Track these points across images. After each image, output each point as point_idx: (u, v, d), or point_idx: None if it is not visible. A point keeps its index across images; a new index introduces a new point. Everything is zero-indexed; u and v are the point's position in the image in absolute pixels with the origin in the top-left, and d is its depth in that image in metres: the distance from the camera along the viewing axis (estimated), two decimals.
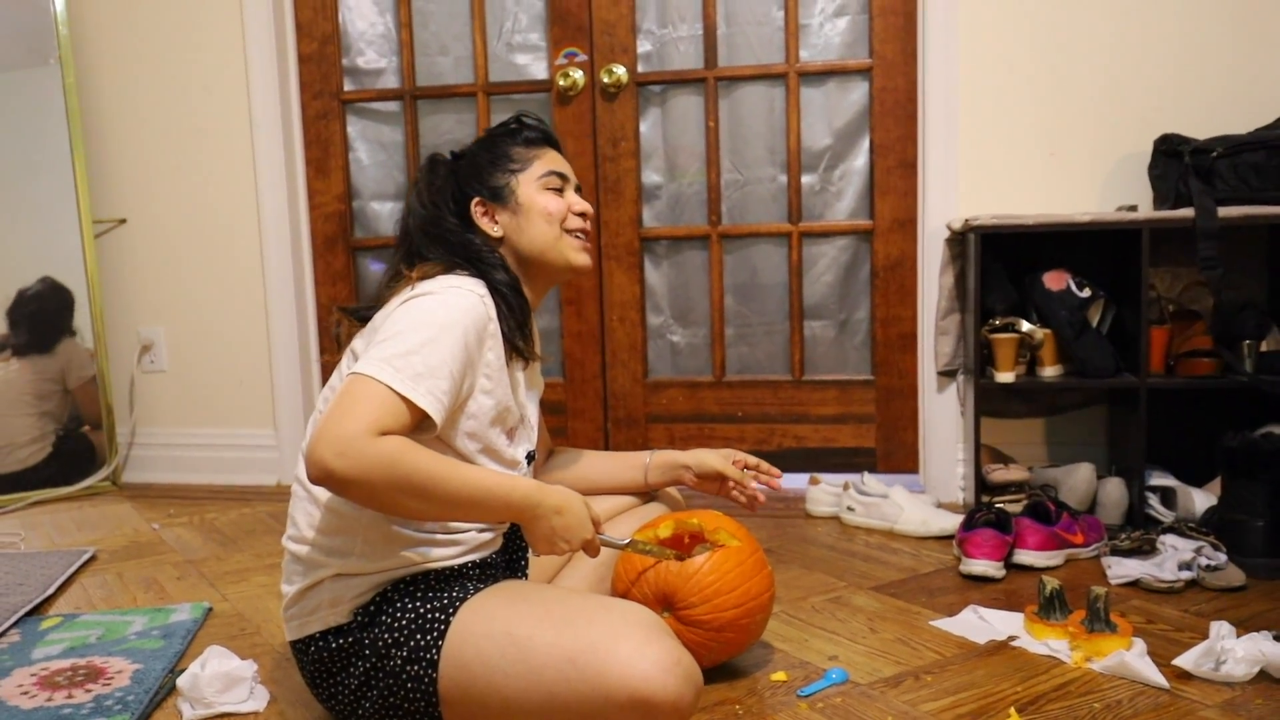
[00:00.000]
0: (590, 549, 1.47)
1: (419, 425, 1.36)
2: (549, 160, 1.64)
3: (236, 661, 1.66)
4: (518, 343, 1.53)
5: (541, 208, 1.60)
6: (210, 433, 3.23)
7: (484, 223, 1.61)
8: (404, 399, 1.32)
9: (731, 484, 1.86)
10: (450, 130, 3.07)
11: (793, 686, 1.62)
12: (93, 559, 2.46)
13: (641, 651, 1.29)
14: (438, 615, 1.41)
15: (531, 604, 1.40)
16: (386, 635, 1.41)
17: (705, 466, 1.84)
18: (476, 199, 1.61)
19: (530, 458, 1.64)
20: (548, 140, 1.67)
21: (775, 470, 1.84)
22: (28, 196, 3.14)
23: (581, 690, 1.30)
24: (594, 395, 3.02)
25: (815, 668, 1.69)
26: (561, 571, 1.80)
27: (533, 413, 1.68)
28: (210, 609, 2.09)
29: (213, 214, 3.16)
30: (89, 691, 1.67)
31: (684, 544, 1.67)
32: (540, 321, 3.06)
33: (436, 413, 1.35)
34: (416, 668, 1.39)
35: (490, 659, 1.35)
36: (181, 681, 1.62)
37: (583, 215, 1.65)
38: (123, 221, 3.24)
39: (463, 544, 1.50)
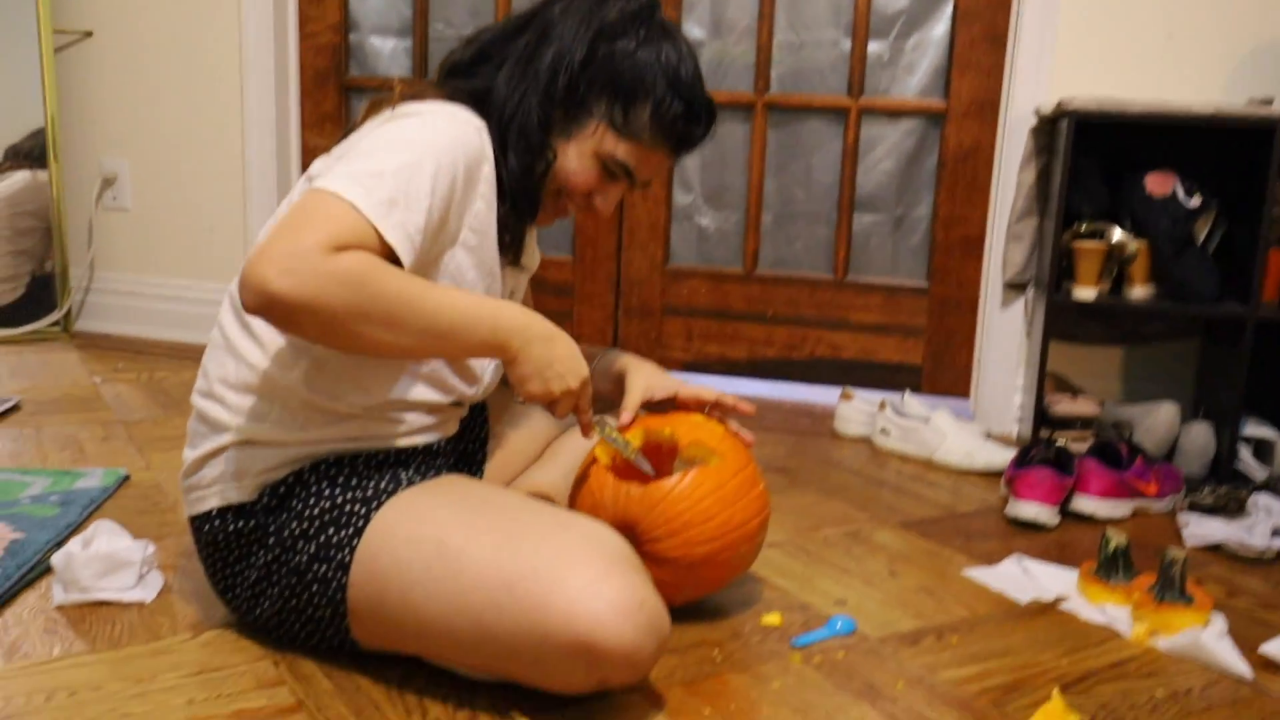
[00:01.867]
0: (584, 400, 1.26)
1: None
2: (646, 159, 1.33)
3: (126, 542, 1.43)
4: (504, 237, 1.28)
5: (574, 171, 1.31)
6: (174, 283, 2.99)
7: (557, 115, 1.29)
8: (370, 225, 1.10)
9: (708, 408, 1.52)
10: None
11: (787, 633, 1.40)
12: (14, 408, 2.26)
13: (595, 587, 1.06)
14: (357, 509, 1.18)
15: (473, 509, 1.17)
16: (295, 524, 1.19)
17: (651, 393, 1.46)
18: (571, 91, 1.28)
19: None
20: (679, 150, 1.35)
21: (749, 407, 1.48)
22: None
23: (516, 624, 1.08)
24: (605, 279, 2.71)
25: (817, 613, 1.47)
26: (526, 473, 1.54)
27: (520, 287, 1.45)
28: (127, 477, 1.85)
29: (190, 33, 2.87)
30: None
31: (658, 457, 1.40)
32: None
33: (406, 252, 1.12)
34: (324, 568, 1.17)
35: (410, 571, 1.12)
36: (55, 560, 1.40)
37: (590, 209, 1.35)
38: (88, 34, 2.94)
39: (405, 423, 1.27)
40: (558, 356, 1.21)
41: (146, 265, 3.01)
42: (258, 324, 1.23)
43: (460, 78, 1.31)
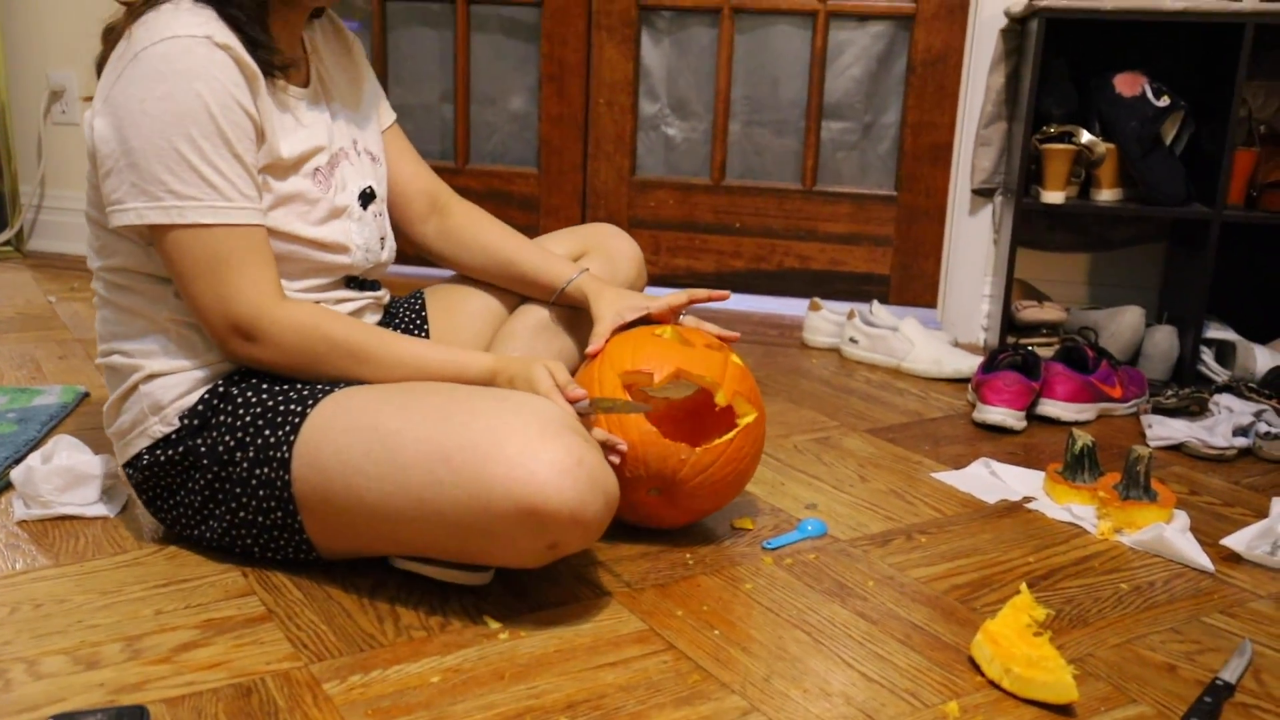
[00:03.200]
0: (567, 390, 1.22)
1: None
2: None
3: (87, 456, 1.41)
4: (273, 69, 1.21)
5: None
6: None
7: None
8: (244, 227, 1.15)
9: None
10: None
11: (759, 536, 1.40)
12: None
13: (532, 450, 1.05)
14: (293, 407, 1.17)
15: (409, 394, 1.16)
16: (227, 438, 1.18)
17: (621, 318, 1.39)
18: None
19: (367, 197, 1.33)
20: None
21: (722, 293, 1.45)
22: None
23: (456, 496, 1.07)
24: (572, 191, 2.65)
25: (788, 517, 1.47)
26: None
27: (363, 139, 1.37)
28: (86, 395, 1.80)
29: None
30: None
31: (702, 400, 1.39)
32: (514, 103, 2.66)
33: (258, 215, 1.17)
34: (265, 470, 1.16)
35: (351, 458, 1.11)
36: (15, 475, 1.38)
37: None
38: None
39: None
40: (527, 390, 1.20)
41: None
42: (122, 276, 1.22)
43: None
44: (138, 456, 1.23)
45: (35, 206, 2.92)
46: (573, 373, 1.45)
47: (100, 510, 1.36)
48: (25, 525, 1.33)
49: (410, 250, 1.50)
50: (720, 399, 1.31)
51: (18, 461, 1.48)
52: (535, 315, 1.46)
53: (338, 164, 1.28)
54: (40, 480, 1.34)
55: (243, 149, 1.14)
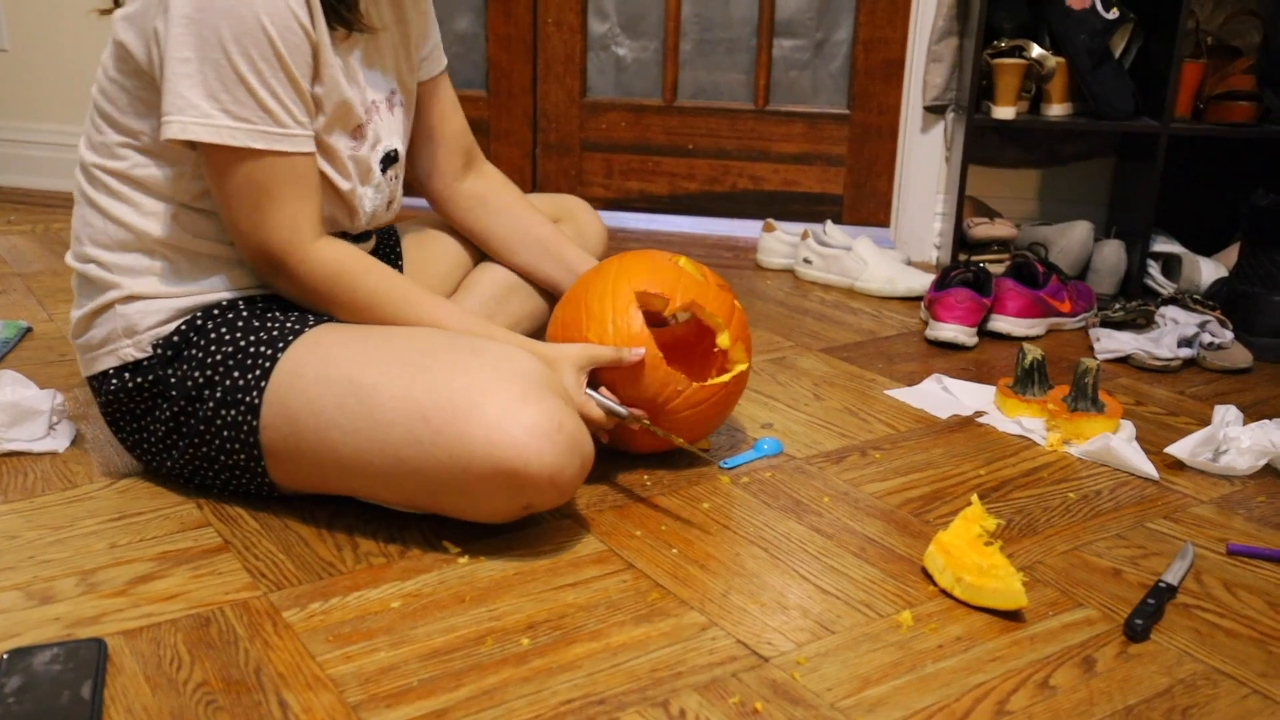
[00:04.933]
0: (591, 418, 1.23)
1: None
2: None
3: (33, 391, 1.38)
4: (344, 12, 1.15)
5: None
6: (62, 130, 2.77)
7: None
8: (294, 156, 1.12)
9: None
10: None
11: (715, 456, 1.41)
12: None
13: (513, 412, 1.05)
14: (263, 350, 1.14)
15: (386, 343, 1.13)
16: (197, 373, 1.15)
17: None
18: None
19: (390, 159, 1.30)
20: None
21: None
22: None
23: (435, 455, 1.06)
24: (522, 114, 2.61)
25: (745, 436, 1.48)
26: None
27: (400, 89, 1.32)
28: (29, 329, 1.77)
29: None
30: None
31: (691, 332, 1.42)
32: (460, 23, 2.60)
33: (308, 140, 1.14)
34: (232, 413, 1.13)
35: (324, 409, 1.09)
36: None
37: None
38: None
39: None
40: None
41: (32, 110, 2.78)
42: (118, 180, 1.17)
43: None
44: (104, 375, 1.20)
45: None
46: (539, 332, 1.46)
47: (48, 445, 1.34)
48: None
49: (432, 204, 1.47)
50: (723, 341, 1.33)
51: None
52: (504, 273, 1.46)
53: (371, 118, 1.24)
54: None
55: (300, 73, 1.10)
